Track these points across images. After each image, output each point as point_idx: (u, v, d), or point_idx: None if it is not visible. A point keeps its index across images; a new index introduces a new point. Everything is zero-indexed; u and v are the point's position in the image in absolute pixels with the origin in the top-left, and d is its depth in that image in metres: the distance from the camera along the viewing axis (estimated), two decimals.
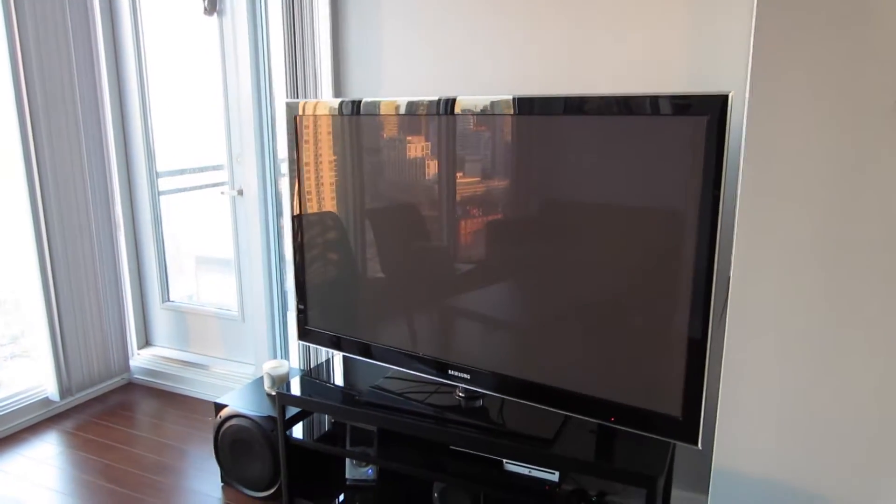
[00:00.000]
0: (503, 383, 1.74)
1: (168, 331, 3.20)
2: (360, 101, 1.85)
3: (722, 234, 1.51)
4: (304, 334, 2.17)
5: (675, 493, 2.10)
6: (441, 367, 1.85)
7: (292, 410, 2.15)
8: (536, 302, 1.67)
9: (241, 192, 2.77)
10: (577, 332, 1.62)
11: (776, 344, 1.38)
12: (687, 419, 1.50)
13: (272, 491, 2.19)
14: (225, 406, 2.24)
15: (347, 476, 2.15)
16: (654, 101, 1.42)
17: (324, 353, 2.63)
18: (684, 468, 2.10)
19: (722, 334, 1.57)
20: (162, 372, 3.13)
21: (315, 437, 2.05)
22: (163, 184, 3.06)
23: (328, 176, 1.97)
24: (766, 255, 1.36)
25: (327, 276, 2.05)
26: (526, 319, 1.69)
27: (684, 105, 1.38)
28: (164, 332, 3.21)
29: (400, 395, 1.92)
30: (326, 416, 2.19)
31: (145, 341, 3.27)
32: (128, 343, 3.17)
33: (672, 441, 1.56)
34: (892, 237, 1.26)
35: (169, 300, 3.17)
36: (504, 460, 1.75)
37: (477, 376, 1.78)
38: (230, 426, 2.22)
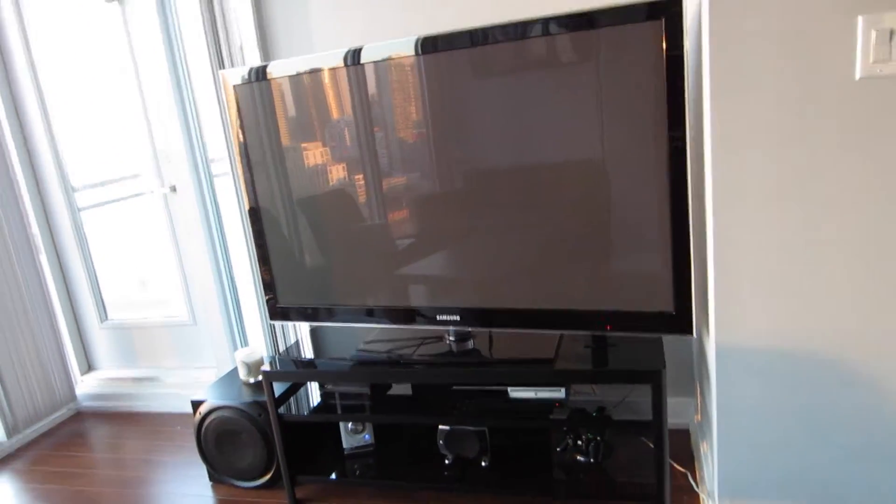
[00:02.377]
0: (493, 317, 1.77)
1: (112, 350, 3.02)
2: (264, 67, 1.81)
3: (693, 126, 1.60)
4: (275, 314, 2.11)
5: None
6: (429, 315, 1.85)
7: (278, 392, 2.09)
8: (510, 229, 1.70)
9: (173, 189, 2.65)
10: (557, 250, 1.67)
11: (761, 211, 1.48)
12: (680, 311, 1.58)
13: (267, 478, 2.13)
14: (203, 402, 2.15)
15: (345, 446, 2.12)
16: (602, 13, 1.48)
17: (292, 335, 2.57)
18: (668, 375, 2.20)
19: (703, 219, 1.66)
20: (111, 394, 2.96)
21: (307, 413, 2.01)
22: (84, 198, 2.87)
23: (264, 153, 1.92)
24: (740, 122, 1.45)
25: (291, 254, 2.00)
26: (504, 249, 1.72)
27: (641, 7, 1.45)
28: (107, 352, 3.03)
29: (388, 352, 1.90)
30: (313, 392, 2.14)
31: (87, 366, 3.07)
32: (69, 371, 2.96)
33: (668, 335, 1.64)
34: None
35: (108, 318, 2.99)
36: (509, 389, 1.77)
37: (467, 315, 1.80)
38: (213, 420, 2.13)
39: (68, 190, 2.86)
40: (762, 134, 1.41)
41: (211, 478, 2.23)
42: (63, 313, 2.97)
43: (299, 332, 2.54)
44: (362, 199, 1.86)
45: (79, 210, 2.88)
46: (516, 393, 1.77)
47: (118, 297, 2.95)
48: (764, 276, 1.49)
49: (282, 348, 2.55)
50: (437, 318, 1.85)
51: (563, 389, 1.72)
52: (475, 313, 1.79)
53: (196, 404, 2.17)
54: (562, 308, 1.70)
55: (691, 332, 1.59)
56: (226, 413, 2.11)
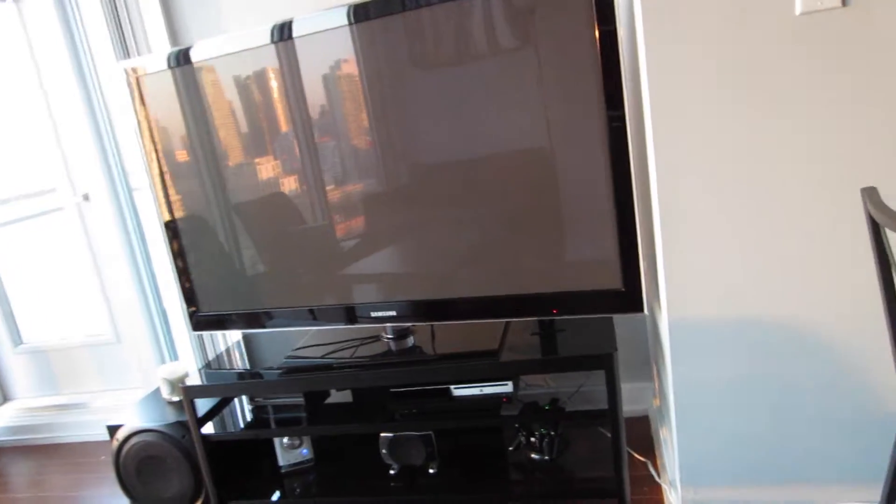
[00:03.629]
0: (432, 309, 1.62)
1: (30, 377, 2.77)
2: (186, 51, 1.64)
3: (631, 89, 1.48)
4: (198, 324, 1.92)
5: None
6: (363, 313, 1.69)
7: (204, 409, 1.90)
8: (447, 218, 1.55)
9: (86, 198, 2.43)
10: (497, 236, 1.53)
11: (707, 180, 1.36)
12: (629, 287, 1.46)
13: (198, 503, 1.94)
14: (119, 426, 1.94)
15: (281, 463, 1.93)
16: None
17: (222, 345, 2.37)
18: (625, 360, 2.08)
19: (647, 192, 1.55)
20: (30, 425, 2.71)
21: (236, 430, 1.82)
22: None
23: (181, 150, 1.74)
24: (677, 72, 1.33)
25: (214, 257, 1.82)
26: (441, 239, 1.58)
27: None
28: (24, 379, 2.77)
29: (321, 357, 1.74)
30: (244, 407, 1.96)
31: (2, 397, 2.81)
32: None
33: (619, 315, 1.52)
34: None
35: (22, 342, 2.74)
36: (451, 387, 1.63)
37: (403, 310, 1.65)
38: (132, 446, 1.93)
39: None
40: (698, 78, 1.30)
41: None
42: None
43: (229, 342, 2.35)
44: (289, 193, 1.69)
45: None
46: (460, 391, 1.62)
47: (33, 318, 2.70)
48: (713, 246, 1.38)
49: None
50: (372, 314, 1.69)
51: (510, 383, 1.58)
52: (412, 307, 1.64)
53: (112, 430, 1.96)
54: (503, 294, 1.56)
55: (642, 310, 1.46)
56: (146, 437, 1.91)
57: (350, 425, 1.70)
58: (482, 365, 1.53)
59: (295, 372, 1.69)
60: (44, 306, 2.68)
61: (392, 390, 1.67)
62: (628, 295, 1.46)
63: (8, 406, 2.78)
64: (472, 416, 1.60)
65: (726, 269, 1.39)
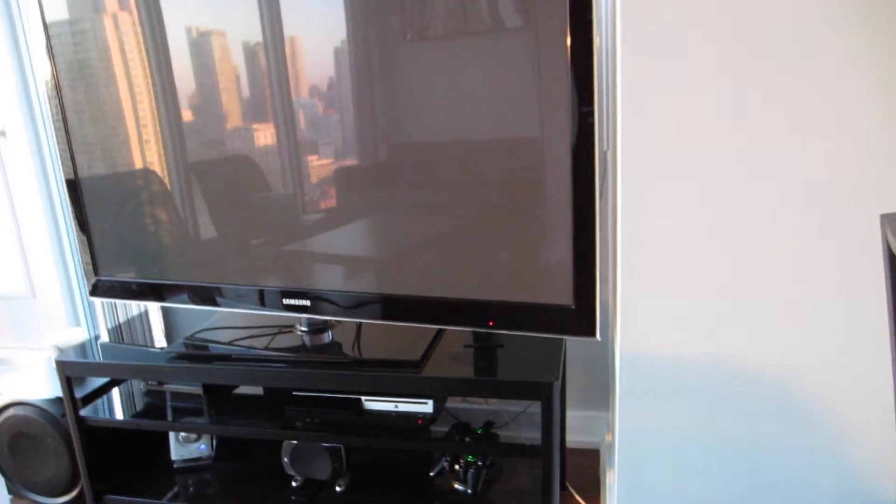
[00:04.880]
0: (349, 304, 1.36)
1: None
2: None
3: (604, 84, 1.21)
4: (95, 289, 1.66)
5: (570, 415, 1.83)
6: (273, 299, 1.44)
7: (91, 387, 1.66)
8: (384, 202, 1.29)
9: (3, 134, 2.17)
10: (436, 227, 1.27)
11: (677, 193, 1.10)
12: (581, 306, 1.20)
13: (73, 495, 1.69)
14: None
15: (174, 457, 1.69)
16: None
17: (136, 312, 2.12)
18: (576, 385, 1.83)
19: (607, 200, 1.30)
20: None
21: (127, 416, 1.57)
22: None
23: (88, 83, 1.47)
24: (653, 57, 1.06)
25: (119, 221, 1.56)
26: (375, 223, 1.32)
27: None
28: None
29: (223, 342, 1.48)
30: (136, 388, 1.71)
31: None
32: None
33: (565, 337, 1.26)
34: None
35: None
36: (362, 398, 1.37)
37: (318, 300, 1.39)
38: (7, 419, 1.68)
39: None
40: (676, 64, 1.03)
41: (9, 490, 1.78)
42: None
43: (141, 313, 2.10)
44: (214, 149, 1.43)
45: None
46: (372, 404, 1.37)
47: None
48: (683, 272, 1.12)
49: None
50: (284, 302, 1.43)
51: (430, 402, 1.33)
52: (329, 298, 1.38)
53: None
54: (433, 296, 1.30)
55: (594, 333, 1.20)
56: (22, 411, 1.66)
57: (245, 428, 1.45)
58: (396, 377, 1.28)
59: (185, 359, 1.44)
60: None
61: (294, 393, 1.41)
62: (579, 314, 1.20)
63: None
64: (385, 433, 1.35)
65: (696, 300, 1.13)
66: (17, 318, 2.41)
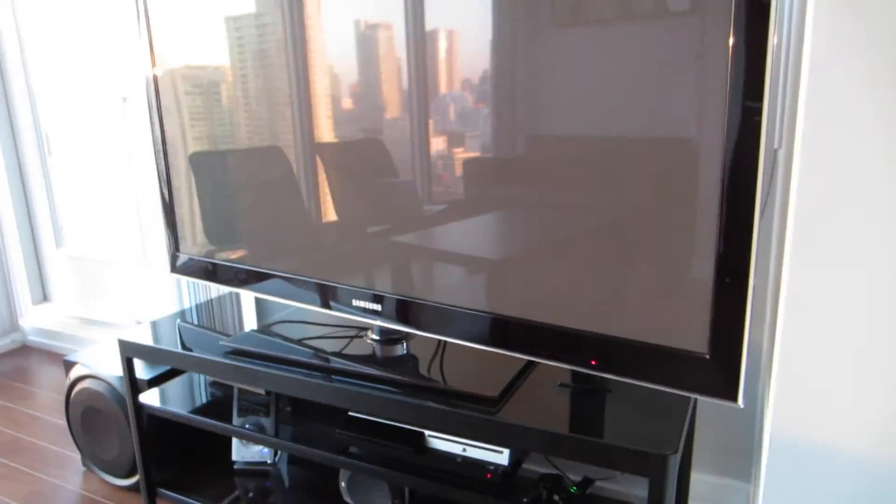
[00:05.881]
0: (424, 315, 1.11)
1: (68, 283, 2.59)
2: None
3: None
4: (174, 266, 1.55)
5: (696, 478, 1.47)
6: (343, 298, 1.22)
7: (160, 369, 1.55)
8: (490, 195, 1.03)
9: (125, 100, 2.15)
10: (551, 226, 0.99)
11: (855, 235, 0.74)
12: (718, 357, 0.87)
13: (135, 479, 1.59)
14: (74, 364, 1.63)
15: (234, 458, 1.54)
16: None
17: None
18: (707, 444, 1.46)
19: (772, 219, 0.94)
20: (59, 332, 2.54)
21: (191, 408, 1.44)
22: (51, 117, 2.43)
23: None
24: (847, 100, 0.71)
25: (209, 199, 1.43)
26: (471, 225, 1.06)
27: None
28: (64, 283, 2.60)
29: (287, 339, 1.30)
30: (204, 376, 1.58)
31: (42, 296, 2.67)
32: (12, 297, 2.57)
33: (692, 395, 0.93)
34: None
35: (63, 245, 2.56)
36: (425, 432, 1.12)
37: (389, 306, 1.15)
38: (80, 391, 1.62)
39: (34, 105, 2.44)
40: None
41: (83, 463, 1.73)
42: (19, 229, 2.56)
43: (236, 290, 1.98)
44: (293, 133, 1.25)
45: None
46: (437, 441, 1.11)
47: (77, 223, 2.51)
48: (864, 346, 0.75)
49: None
50: (353, 303, 1.21)
51: (506, 451, 1.05)
52: (402, 305, 1.14)
53: (69, 366, 1.66)
54: (526, 319, 1.02)
55: (734, 398, 0.86)
56: (93, 385, 1.58)
57: (294, 444, 1.25)
58: (460, 415, 1.01)
59: (238, 355, 1.27)
60: (87, 213, 2.47)
61: (350, 414, 1.19)
62: (716, 368, 0.87)
63: (45, 306, 2.64)
64: (448, 478, 1.09)
65: (875, 385, 0.76)
66: (131, 283, 2.42)
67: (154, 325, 1.48)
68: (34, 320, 2.60)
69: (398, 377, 1.11)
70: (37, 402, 2.13)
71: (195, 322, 1.52)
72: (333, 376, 1.15)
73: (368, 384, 1.12)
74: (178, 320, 1.51)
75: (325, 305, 1.25)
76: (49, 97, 2.41)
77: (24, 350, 2.58)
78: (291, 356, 1.22)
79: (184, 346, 1.34)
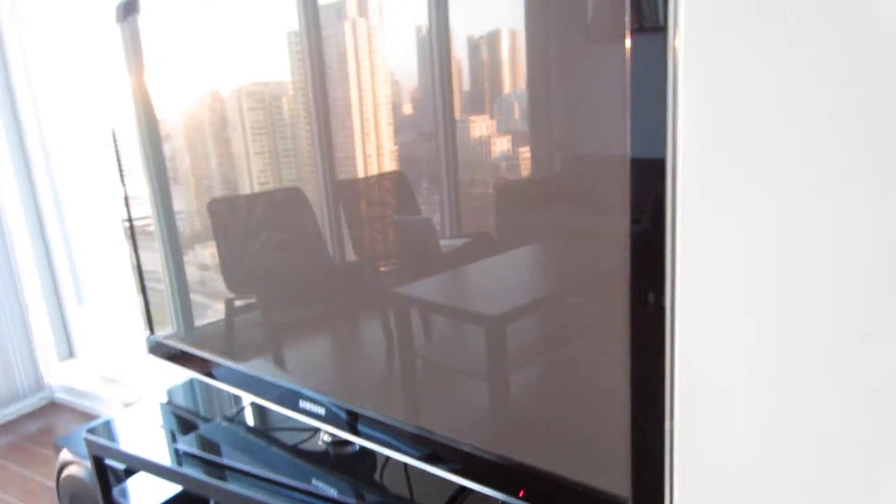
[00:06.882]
0: (362, 424, 1.05)
1: (92, 337, 2.65)
2: None
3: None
4: (151, 346, 1.55)
5: None
6: (290, 398, 1.18)
7: None
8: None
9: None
10: (473, 357, 0.91)
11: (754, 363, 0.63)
12: (640, 499, 0.77)
13: None
14: (62, 448, 1.65)
15: None
16: None
17: None
18: None
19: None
20: (86, 392, 2.61)
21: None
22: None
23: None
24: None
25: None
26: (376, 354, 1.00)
27: None
28: (90, 338, 2.66)
29: (250, 434, 1.27)
30: None
31: (68, 352, 2.75)
32: (37, 355, 2.65)
33: None
34: None
35: (83, 299, 2.62)
36: None
37: (331, 411, 1.10)
38: (66, 478, 1.63)
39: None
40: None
41: None
42: (41, 282, 2.63)
43: None
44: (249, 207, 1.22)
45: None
46: None
47: (98, 272, 2.56)
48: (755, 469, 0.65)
49: None
50: (300, 404, 1.17)
51: None
52: (342, 413, 1.09)
53: (58, 447, 1.68)
54: (453, 444, 0.94)
55: None
56: (76, 472, 1.59)
57: None
58: None
59: (190, 457, 1.24)
60: (105, 270, 2.52)
61: None
62: None
63: (72, 362, 2.71)
64: None
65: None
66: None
67: (132, 411, 1.47)
68: (61, 378, 2.68)
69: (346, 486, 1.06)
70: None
71: (181, 402, 1.52)
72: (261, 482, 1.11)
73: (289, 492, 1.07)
74: (167, 400, 1.51)
75: (272, 399, 1.21)
76: (62, 154, 2.48)
77: (52, 408, 2.66)
78: (232, 464, 1.18)
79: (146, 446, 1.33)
